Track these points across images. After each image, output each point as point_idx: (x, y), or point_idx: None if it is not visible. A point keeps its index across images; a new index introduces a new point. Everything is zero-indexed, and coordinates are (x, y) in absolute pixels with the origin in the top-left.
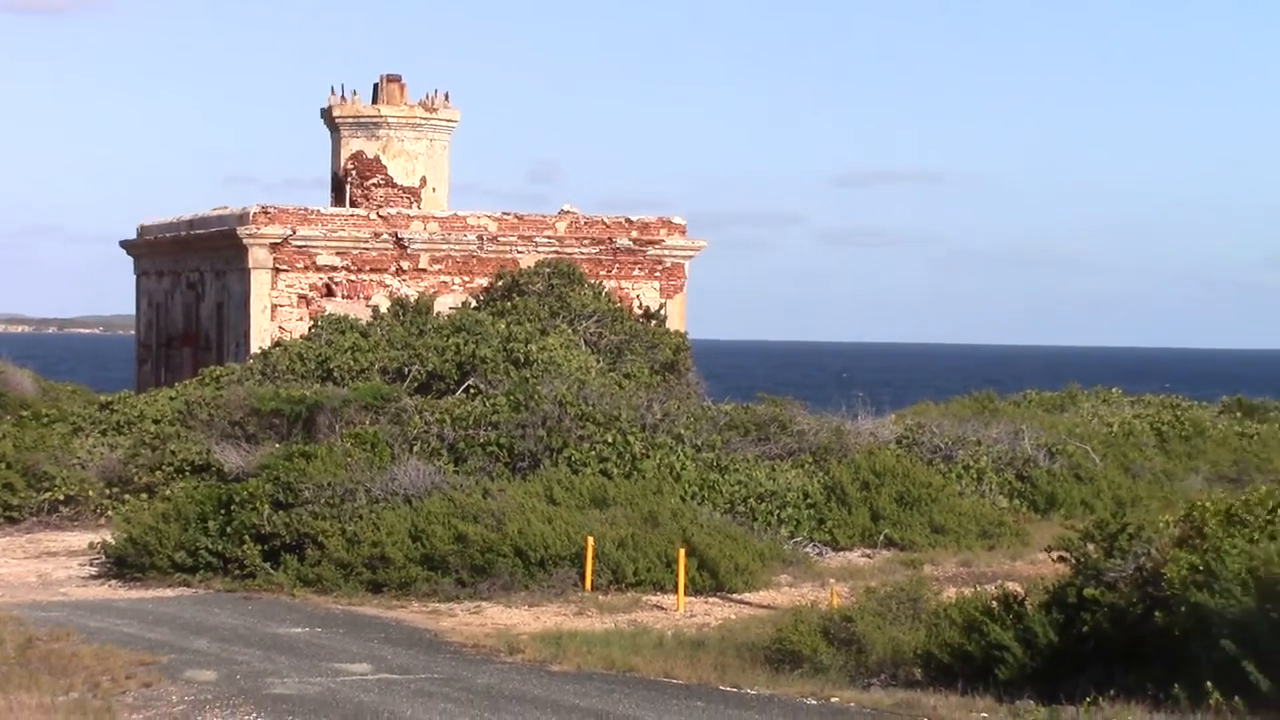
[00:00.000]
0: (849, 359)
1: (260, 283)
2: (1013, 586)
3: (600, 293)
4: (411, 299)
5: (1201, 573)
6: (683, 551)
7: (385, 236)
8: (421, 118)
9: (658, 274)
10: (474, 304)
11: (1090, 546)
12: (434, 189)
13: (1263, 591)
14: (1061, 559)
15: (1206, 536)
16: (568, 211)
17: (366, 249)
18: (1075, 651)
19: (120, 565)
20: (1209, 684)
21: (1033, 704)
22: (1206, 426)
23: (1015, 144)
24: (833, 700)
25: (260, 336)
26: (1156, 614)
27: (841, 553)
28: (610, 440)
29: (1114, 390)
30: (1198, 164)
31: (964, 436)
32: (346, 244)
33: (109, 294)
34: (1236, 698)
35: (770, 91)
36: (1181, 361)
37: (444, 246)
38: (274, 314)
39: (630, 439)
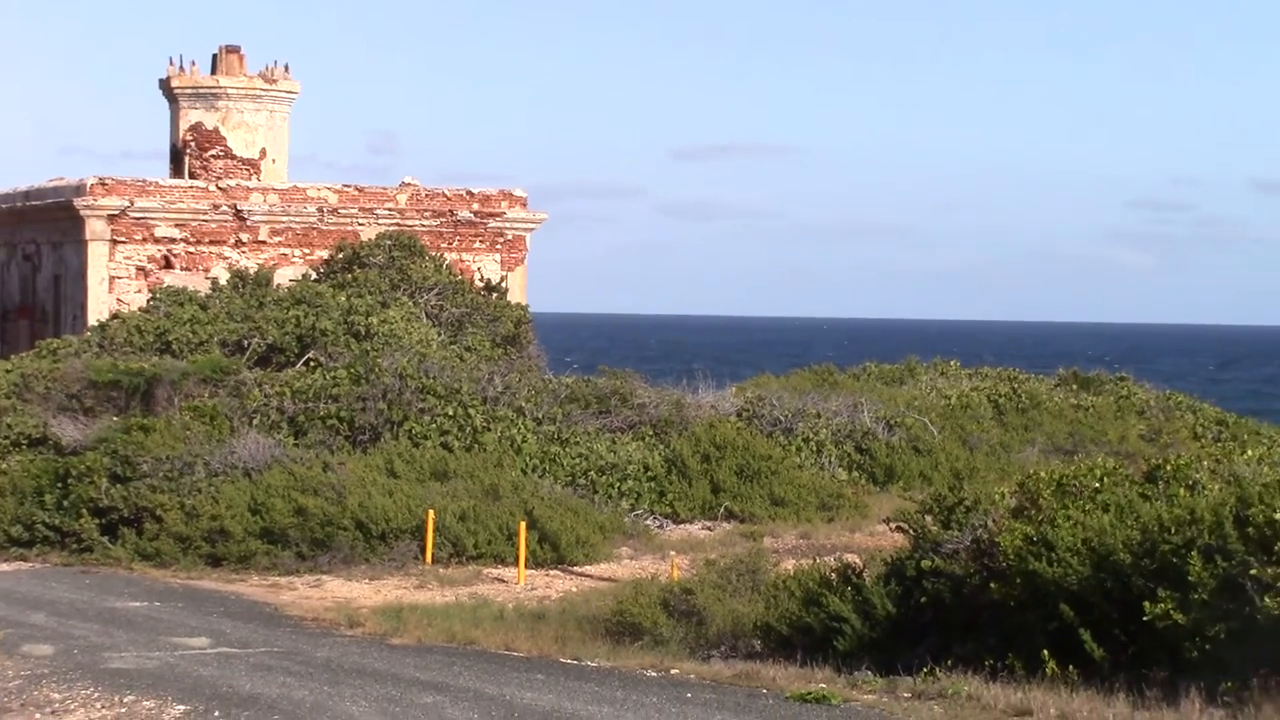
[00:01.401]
0: (690, 332)
1: (98, 255)
2: (851, 558)
3: (441, 265)
4: (251, 271)
5: (1036, 543)
6: (523, 524)
7: (224, 208)
8: (261, 89)
9: (499, 246)
10: (314, 276)
11: (928, 518)
12: (274, 161)
13: (1096, 561)
14: (900, 531)
15: (1041, 508)
16: (408, 184)
17: (206, 221)
18: (913, 622)
19: None
20: (1045, 653)
21: (871, 674)
22: (1042, 399)
23: (854, 117)
24: (673, 672)
25: (98, 309)
26: (993, 585)
27: (682, 525)
28: (451, 413)
29: (952, 363)
30: (1038, 137)
31: (803, 409)
32: (185, 216)
33: None
34: (1071, 667)
35: (609, 63)
36: (1019, 335)
37: (284, 219)
38: (112, 286)
39: (471, 412)
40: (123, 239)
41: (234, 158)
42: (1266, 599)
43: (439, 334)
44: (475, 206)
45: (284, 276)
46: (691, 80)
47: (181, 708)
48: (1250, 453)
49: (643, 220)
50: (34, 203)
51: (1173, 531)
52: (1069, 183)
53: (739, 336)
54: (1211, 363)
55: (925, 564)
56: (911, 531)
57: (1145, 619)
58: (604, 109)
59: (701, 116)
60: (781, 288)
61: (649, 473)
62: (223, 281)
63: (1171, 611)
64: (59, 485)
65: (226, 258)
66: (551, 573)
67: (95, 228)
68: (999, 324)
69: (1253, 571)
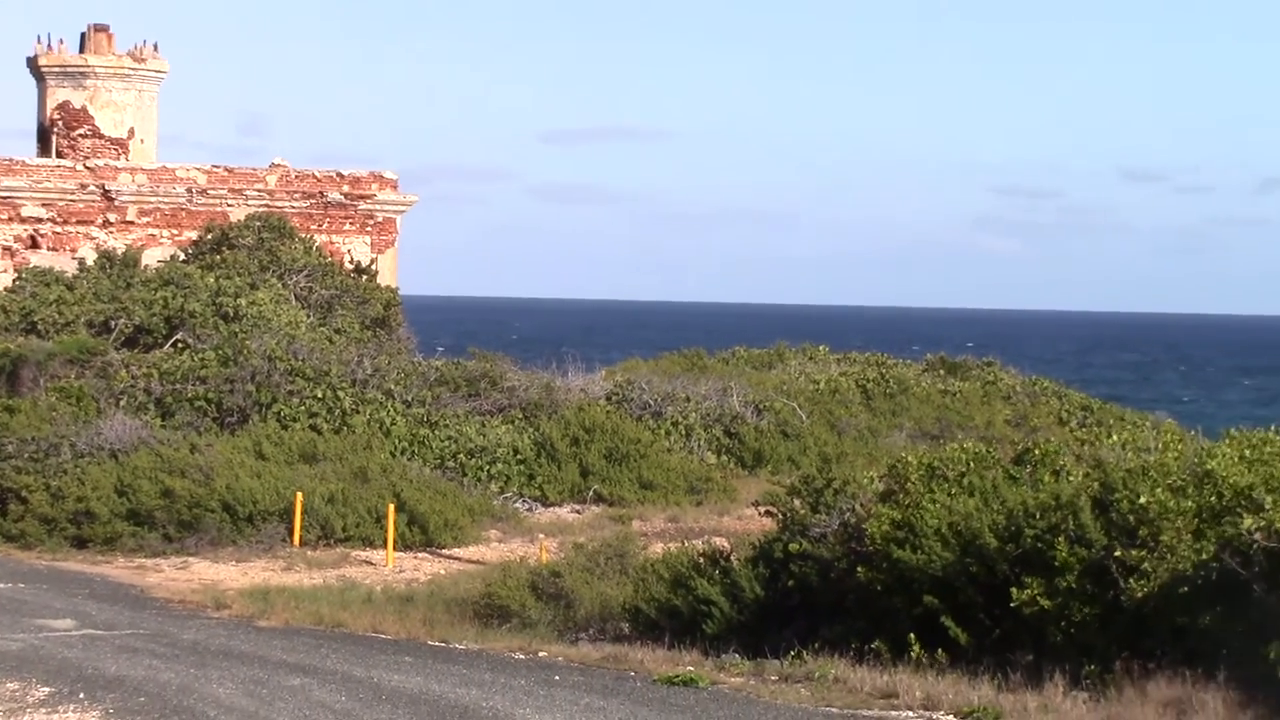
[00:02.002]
0: (561, 315)
1: None
2: (720, 542)
3: (311, 247)
4: (119, 252)
5: (903, 528)
6: (392, 507)
7: (92, 188)
8: (129, 68)
9: (369, 229)
10: (183, 257)
11: (796, 502)
12: (142, 140)
13: (962, 546)
14: (768, 515)
15: (909, 492)
16: (278, 165)
17: (73, 201)
18: (781, 605)
19: None
20: (911, 637)
21: (738, 657)
22: (910, 384)
23: (726, 102)
24: (541, 655)
25: None
26: (860, 569)
27: (551, 508)
28: (320, 395)
29: (821, 348)
30: (907, 124)
31: (673, 393)
32: (52, 195)
33: None
34: (937, 650)
35: (479, 45)
36: (888, 320)
37: (152, 199)
38: None
39: (340, 394)
40: None
41: (102, 137)
42: (1131, 582)
43: (308, 316)
44: (345, 188)
45: (152, 257)
46: (562, 63)
47: (46, 690)
48: (1115, 438)
49: (513, 203)
50: None
51: (1038, 517)
52: (938, 170)
53: (609, 320)
54: (1077, 348)
55: (793, 547)
56: (779, 515)
57: (1011, 604)
58: (475, 91)
59: (572, 99)
60: (652, 272)
61: (518, 456)
62: (90, 262)
63: (1038, 597)
64: None
65: (94, 238)
66: (420, 555)
67: None
68: (868, 309)
69: (1117, 555)
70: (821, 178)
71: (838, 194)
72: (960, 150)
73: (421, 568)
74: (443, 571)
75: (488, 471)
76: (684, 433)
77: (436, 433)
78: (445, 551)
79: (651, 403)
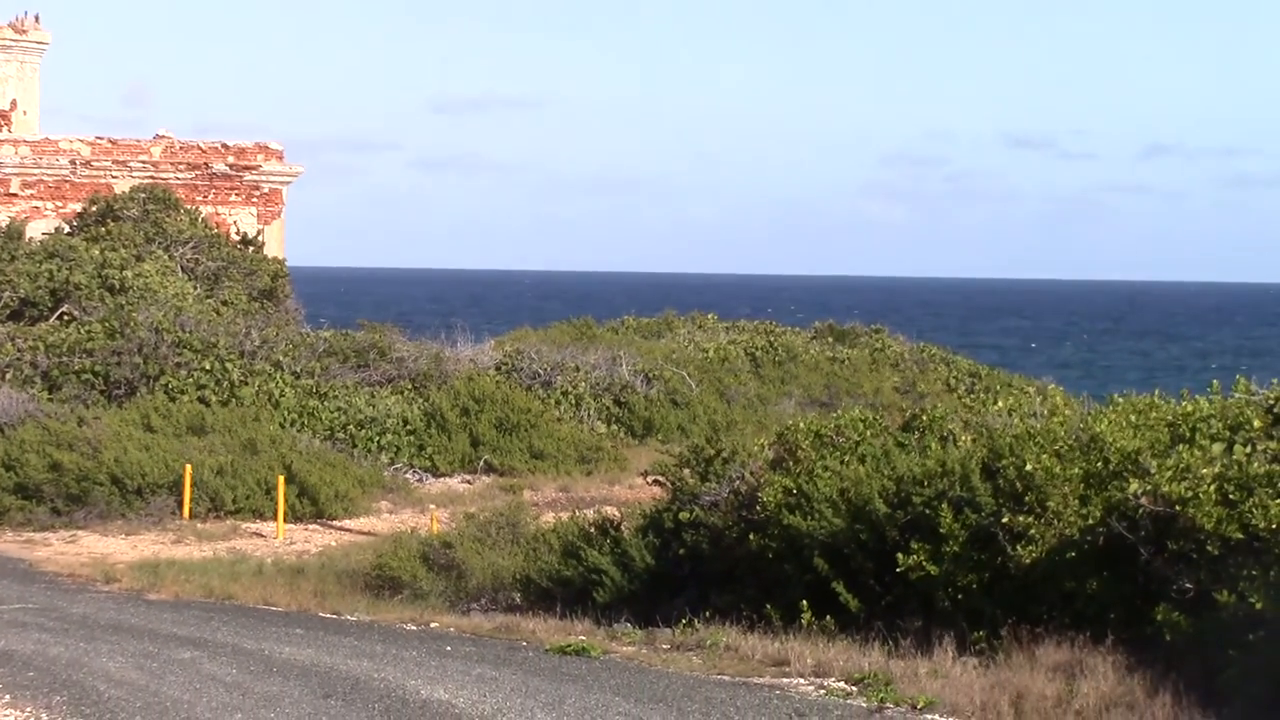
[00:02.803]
0: (450, 285)
1: None
2: (610, 511)
3: (197, 219)
4: (2, 224)
5: (794, 495)
6: (282, 479)
7: None
8: (11, 39)
9: (255, 200)
10: (67, 230)
11: (686, 471)
12: (24, 112)
13: (852, 513)
14: (657, 484)
15: (799, 460)
16: (163, 136)
17: None
18: (672, 574)
19: None
20: (802, 604)
21: (630, 626)
22: (799, 351)
23: (611, 71)
24: (432, 625)
25: None
26: (751, 536)
27: (442, 479)
28: (208, 367)
29: (710, 316)
30: (792, 91)
31: (563, 363)
32: None
33: None
34: (828, 616)
35: (364, 15)
36: (778, 288)
37: (35, 171)
38: None
39: (228, 366)
40: None
41: None
42: (1018, 548)
43: (195, 288)
44: (231, 159)
45: (36, 230)
46: (447, 32)
47: None
48: (1001, 404)
49: (400, 174)
50: None
51: (926, 484)
52: (823, 137)
53: (498, 290)
54: (965, 315)
55: (683, 516)
56: (669, 484)
57: (899, 570)
58: (360, 62)
59: (457, 69)
60: (540, 241)
61: (408, 426)
62: None
63: (924, 563)
64: None
65: None
66: (310, 527)
67: None
68: (755, 277)
69: (1004, 521)
70: (709, 145)
71: (725, 162)
72: (846, 118)
73: (312, 539)
74: (333, 543)
75: (378, 442)
76: (574, 402)
77: (326, 404)
78: (336, 523)
79: (541, 372)
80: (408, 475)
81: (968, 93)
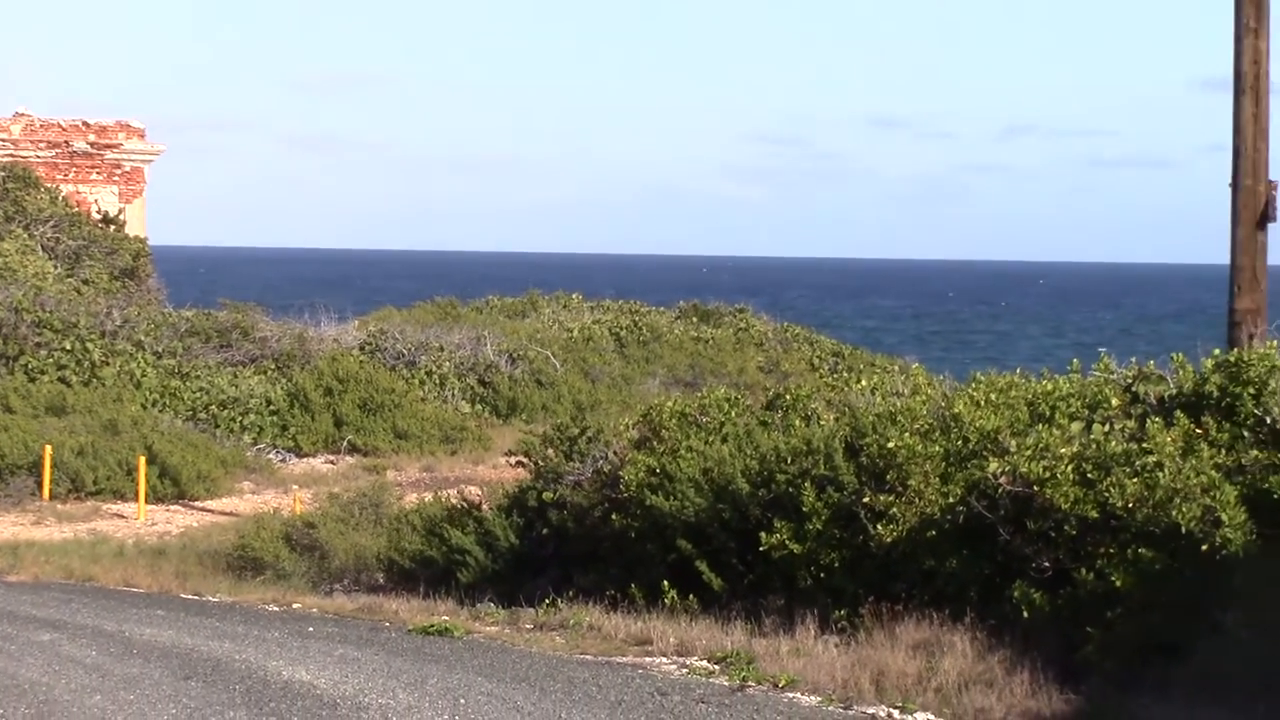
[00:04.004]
0: (313, 265)
1: None
2: (474, 491)
3: (57, 197)
4: None
5: (657, 475)
6: (143, 459)
7: None
8: None
9: (116, 178)
10: None
11: (549, 451)
12: None
13: (715, 492)
14: (521, 464)
15: (663, 439)
16: (22, 115)
17: None
18: (536, 554)
19: None
20: (665, 584)
21: (493, 606)
22: (663, 331)
23: (473, 50)
24: (295, 606)
25: None
26: (615, 516)
27: (305, 459)
28: (69, 347)
29: (574, 296)
30: (650, 69)
31: (427, 342)
32: None
33: None
34: (691, 596)
35: None
36: (640, 267)
37: None
38: None
39: (89, 346)
40: None
41: None
42: (879, 527)
43: (55, 267)
44: (92, 138)
45: None
46: (307, 11)
47: None
48: (864, 383)
49: (263, 153)
50: None
51: (789, 462)
52: (682, 116)
53: (362, 269)
54: (828, 295)
55: (547, 496)
56: (533, 464)
57: (762, 549)
58: (223, 39)
59: (317, 48)
60: (404, 220)
61: (271, 406)
62: None
63: (787, 541)
64: None
65: None
66: (172, 508)
67: None
68: (620, 257)
69: (865, 500)
70: (571, 125)
71: (587, 141)
72: (707, 98)
73: (174, 520)
74: (195, 524)
75: (240, 423)
76: (438, 382)
77: (188, 384)
78: (198, 504)
79: (405, 352)
80: (271, 456)
81: (828, 73)
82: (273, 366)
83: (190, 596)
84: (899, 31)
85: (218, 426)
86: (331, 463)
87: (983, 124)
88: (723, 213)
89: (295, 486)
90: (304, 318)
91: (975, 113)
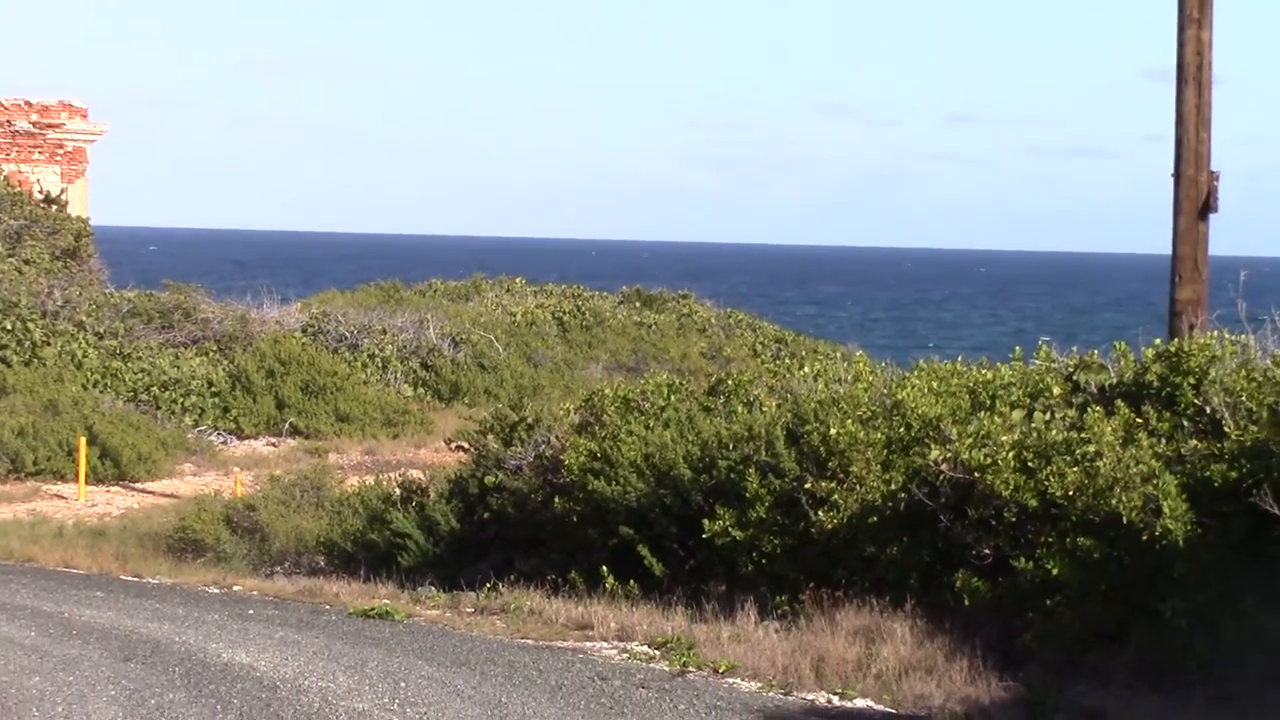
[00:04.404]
0: (257, 246)
1: None
2: (416, 475)
3: None
4: None
5: (599, 460)
6: (83, 440)
7: None
8: None
9: (59, 158)
10: None
11: (491, 436)
12: None
13: (657, 477)
14: (462, 448)
15: (605, 424)
16: None
17: None
18: (477, 538)
19: None
20: (606, 569)
21: (434, 590)
22: (606, 316)
23: (425, 34)
24: (235, 589)
25: None
26: (556, 501)
27: (246, 441)
28: (9, 327)
29: (518, 280)
30: (598, 57)
31: (369, 325)
32: None
33: None
34: (632, 581)
35: None
36: (585, 252)
37: None
38: None
39: (30, 326)
40: None
41: None
42: (820, 514)
43: None
44: (34, 117)
45: None
46: None
47: None
48: (806, 369)
49: (209, 133)
50: None
51: (731, 448)
52: (629, 101)
53: (306, 251)
54: (771, 281)
55: (488, 480)
56: (475, 448)
57: (704, 536)
58: (169, 18)
59: (266, 28)
60: (348, 203)
61: (213, 388)
62: None
63: (730, 528)
64: None
65: None
66: (113, 489)
67: None
68: (565, 241)
69: (807, 486)
70: (516, 109)
71: (532, 126)
72: (654, 83)
73: (114, 502)
74: (136, 505)
75: (182, 404)
76: (380, 365)
77: (129, 365)
78: (138, 485)
79: (348, 335)
80: (212, 438)
81: (775, 60)
82: (215, 348)
83: (130, 578)
84: (846, 18)
85: (159, 408)
86: (273, 445)
87: (929, 112)
88: (668, 198)
89: (236, 469)
90: (246, 299)
91: (921, 100)
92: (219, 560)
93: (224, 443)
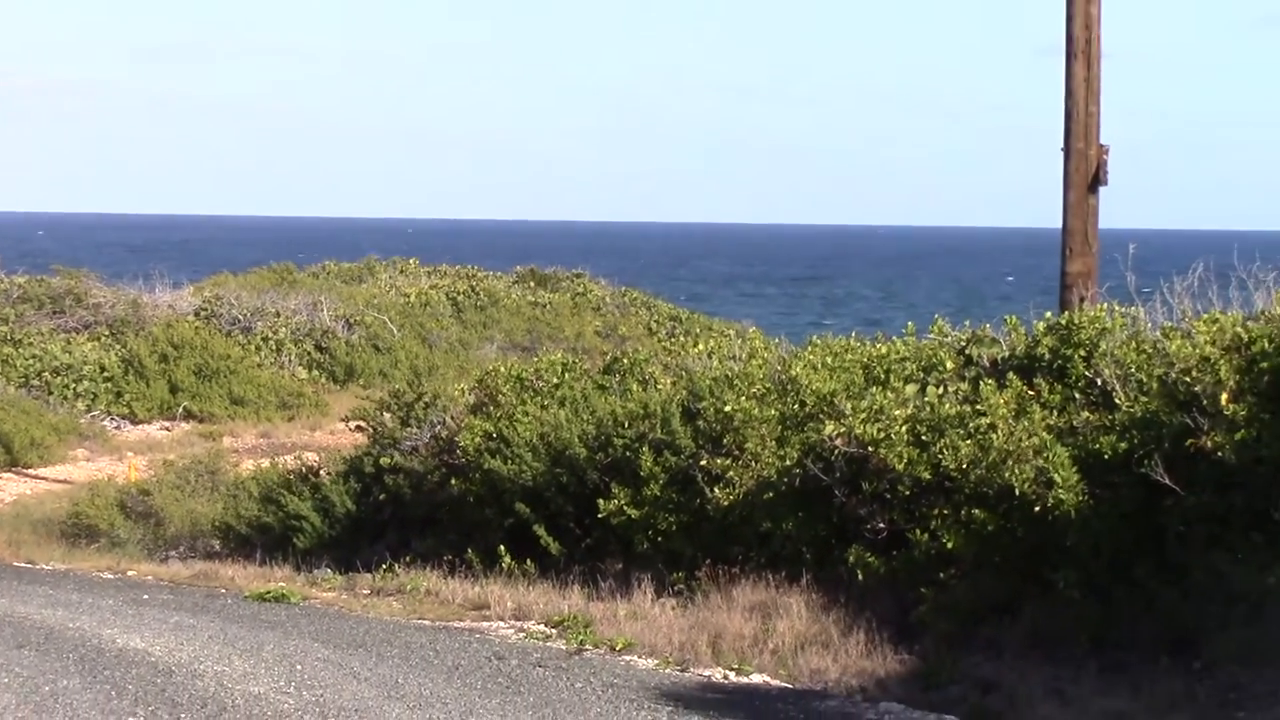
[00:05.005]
0: (150, 230)
1: None
2: (311, 457)
3: None
4: None
5: (494, 439)
6: None
7: None
8: None
9: None
10: None
11: (386, 416)
12: None
13: (553, 457)
14: (358, 429)
15: (500, 404)
16: None
17: None
18: (373, 520)
19: None
20: (502, 548)
21: (330, 572)
22: (501, 296)
23: (324, 16)
24: (130, 574)
25: None
26: (453, 481)
27: (140, 426)
28: None
29: (411, 261)
30: (498, 37)
31: (263, 308)
32: None
33: None
34: (528, 561)
35: None
36: (476, 232)
37: None
38: None
39: None
40: None
41: None
42: (716, 490)
43: None
44: None
45: None
46: None
47: None
48: (701, 347)
49: (108, 119)
50: None
51: (626, 426)
52: (518, 78)
53: (198, 234)
54: (667, 260)
55: (384, 461)
56: (370, 429)
57: (600, 515)
58: (69, 4)
59: (164, 11)
60: (238, 186)
61: (105, 373)
62: None
63: (625, 506)
64: None
65: None
66: (4, 476)
67: None
68: (457, 222)
69: (702, 464)
70: (404, 90)
71: (420, 107)
72: (547, 61)
73: (6, 488)
74: (29, 491)
75: (74, 390)
76: (274, 348)
77: (20, 351)
78: (31, 471)
79: (241, 318)
80: (105, 423)
81: (678, 38)
82: (107, 333)
83: (23, 564)
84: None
85: (51, 393)
86: (167, 429)
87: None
88: (559, 177)
89: (130, 453)
90: (138, 284)
91: (829, 80)
92: (113, 546)
93: (117, 428)
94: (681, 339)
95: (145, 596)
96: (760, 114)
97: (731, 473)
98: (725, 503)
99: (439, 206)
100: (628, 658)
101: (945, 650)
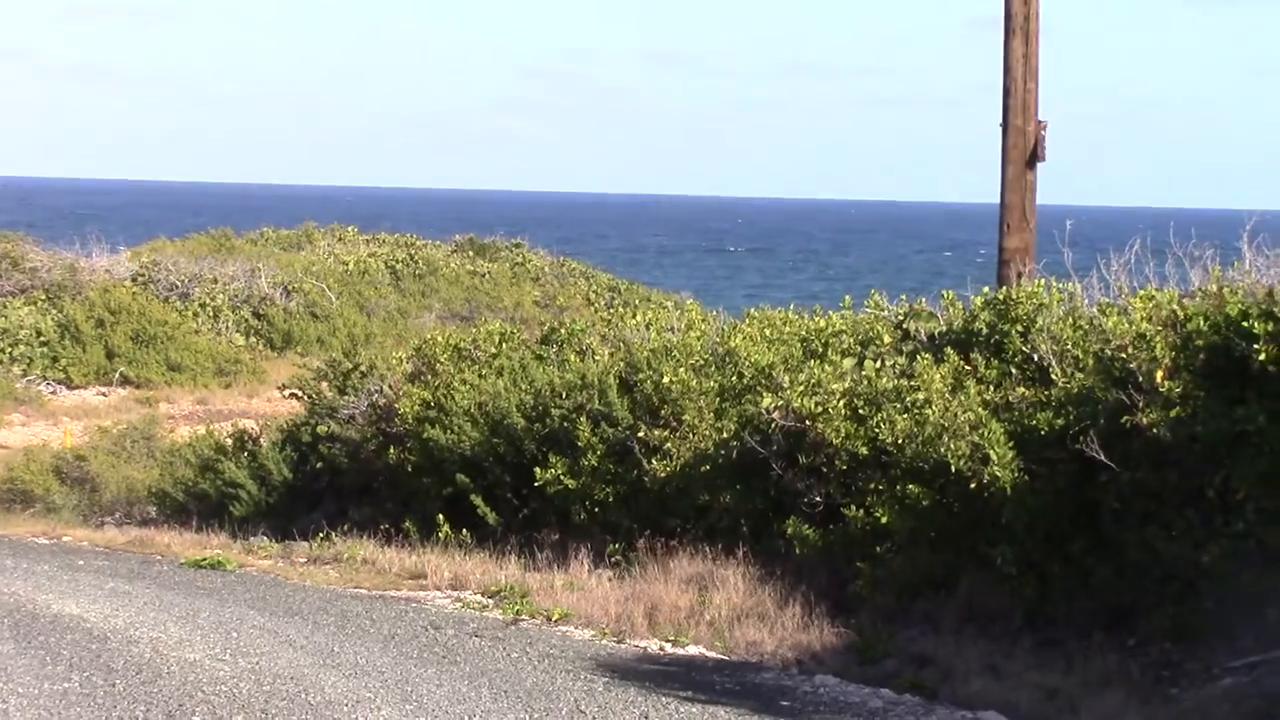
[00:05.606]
0: (85, 195)
1: None
2: (248, 424)
3: None
4: None
5: (432, 408)
6: None
7: None
8: None
9: None
10: None
11: (324, 384)
12: None
13: (490, 426)
14: (295, 397)
15: (438, 373)
16: None
17: None
18: (310, 488)
19: None
20: (440, 518)
21: (267, 540)
22: (439, 265)
23: None
24: (65, 539)
25: None
26: (390, 450)
27: (76, 391)
28: None
29: (350, 229)
30: (427, 5)
31: (200, 274)
32: None
33: None
34: (465, 530)
35: None
36: (415, 200)
37: None
38: None
39: None
40: None
41: None
42: (653, 462)
43: None
44: None
45: None
46: None
47: None
48: (639, 318)
49: (29, 83)
50: None
51: (564, 396)
52: (459, 51)
53: (134, 199)
54: (607, 230)
55: (321, 430)
56: (307, 397)
57: (537, 484)
58: None
59: None
60: (178, 151)
61: (41, 338)
62: None
63: (562, 476)
64: None
65: None
66: None
67: None
68: (396, 190)
69: (640, 435)
70: (345, 59)
71: (359, 74)
72: (482, 33)
73: None
74: None
75: (9, 354)
76: (212, 314)
77: None
78: None
79: (179, 284)
80: (41, 387)
81: (605, 9)
82: (43, 297)
83: None
84: None
85: None
86: (103, 395)
87: (761, 62)
88: (501, 147)
89: (66, 419)
90: (75, 248)
91: (754, 50)
92: (48, 511)
93: (53, 393)
94: (620, 310)
95: (80, 562)
96: (680, 83)
97: (669, 444)
98: (663, 474)
99: (377, 174)
100: (564, 628)
101: (881, 624)
